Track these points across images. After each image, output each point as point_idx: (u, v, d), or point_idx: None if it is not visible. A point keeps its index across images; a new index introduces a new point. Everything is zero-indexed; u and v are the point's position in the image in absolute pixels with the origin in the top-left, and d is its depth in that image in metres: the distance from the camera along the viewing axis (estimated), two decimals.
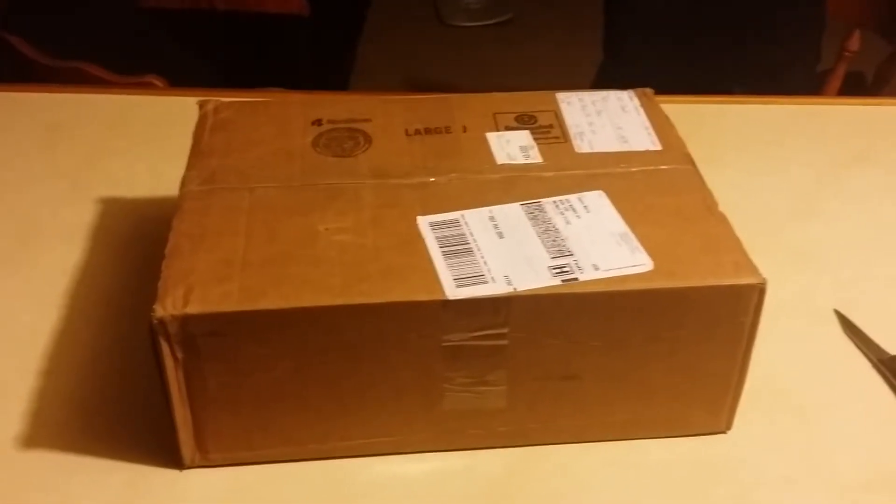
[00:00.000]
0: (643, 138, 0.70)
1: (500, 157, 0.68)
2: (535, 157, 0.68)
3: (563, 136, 0.70)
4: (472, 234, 0.61)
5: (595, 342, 0.59)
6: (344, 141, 0.69)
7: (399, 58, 2.55)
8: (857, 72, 1.57)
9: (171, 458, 0.61)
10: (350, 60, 2.38)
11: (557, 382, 0.61)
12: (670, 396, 0.62)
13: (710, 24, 1.50)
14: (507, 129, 0.71)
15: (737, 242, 0.61)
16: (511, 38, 2.68)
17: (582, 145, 0.69)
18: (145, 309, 0.55)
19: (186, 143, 0.69)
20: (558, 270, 0.58)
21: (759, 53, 1.52)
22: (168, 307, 0.55)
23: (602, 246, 0.60)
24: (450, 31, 2.73)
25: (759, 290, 0.58)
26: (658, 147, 0.70)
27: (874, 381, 0.70)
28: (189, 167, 0.67)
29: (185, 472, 0.62)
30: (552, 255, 0.59)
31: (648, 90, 0.76)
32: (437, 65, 2.55)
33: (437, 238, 0.60)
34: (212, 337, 0.56)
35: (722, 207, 0.64)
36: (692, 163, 0.68)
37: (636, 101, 0.75)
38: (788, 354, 0.71)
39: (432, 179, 0.66)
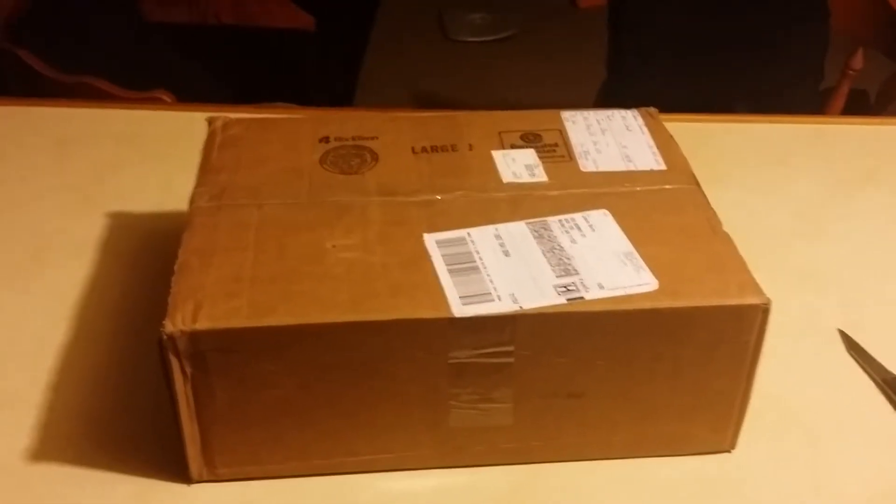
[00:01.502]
0: (648, 158, 0.71)
1: (506, 176, 0.69)
2: (541, 175, 0.69)
3: (568, 155, 0.71)
4: (478, 253, 0.61)
5: (600, 360, 0.60)
6: (351, 158, 0.70)
7: (404, 72, 2.56)
8: (860, 90, 1.58)
9: (178, 472, 0.62)
10: (356, 75, 2.40)
11: (562, 400, 0.61)
12: (675, 415, 0.63)
13: (714, 42, 1.51)
14: (513, 147, 0.71)
15: (741, 262, 0.61)
16: (515, 53, 2.70)
17: (587, 164, 0.70)
18: (154, 324, 0.56)
19: (195, 157, 0.70)
20: (564, 289, 0.59)
21: (763, 72, 1.52)
22: (178, 323, 0.56)
23: (607, 265, 0.61)
24: (454, 47, 2.74)
25: (763, 311, 0.59)
26: (662, 167, 0.70)
27: (878, 401, 0.70)
28: (198, 183, 0.67)
29: (193, 486, 0.62)
30: (558, 274, 0.60)
31: (653, 109, 0.77)
32: (442, 80, 2.56)
33: (443, 256, 0.61)
34: (220, 353, 0.57)
35: (726, 227, 0.64)
36: (696, 182, 0.69)
37: (640, 121, 0.75)
38: (793, 374, 0.72)
39: (439, 197, 0.66)
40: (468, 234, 0.63)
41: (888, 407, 0.70)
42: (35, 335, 0.73)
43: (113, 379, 0.70)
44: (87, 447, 0.64)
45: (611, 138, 0.73)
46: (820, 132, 1.02)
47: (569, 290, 0.59)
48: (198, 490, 0.62)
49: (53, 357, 0.71)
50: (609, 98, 1.57)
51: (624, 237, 0.63)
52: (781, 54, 1.51)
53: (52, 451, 0.64)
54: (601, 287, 0.59)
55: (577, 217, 0.65)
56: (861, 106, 1.56)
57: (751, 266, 0.61)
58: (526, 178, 0.68)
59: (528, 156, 0.71)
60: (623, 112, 0.76)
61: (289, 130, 0.73)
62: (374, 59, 2.55)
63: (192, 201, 0.66)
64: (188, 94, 1.21)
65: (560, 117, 0.75)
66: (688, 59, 1.52)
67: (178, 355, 0.56)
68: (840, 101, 1.50)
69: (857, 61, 1.49)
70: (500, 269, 0.60)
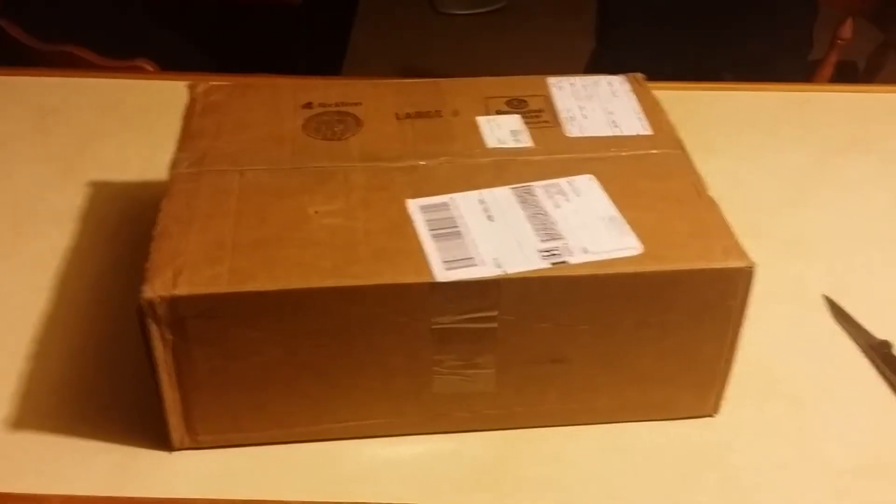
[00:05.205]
0: (634, 123, 0.70)
1: (491, 141, 0.68)
2: (526, 141, 0.68)
3: (554, 121, 0.70)
4: (461, 218, 0.61)
5: (584, 325, 0.59)
6: (334, 124, 0.69)
7: (391, 45, 2.54)
8: (850, 61, 1.57)
9: (160, 440, 0.61)
10: (342, 48, 2.38)
11: (546, 366, 0.61)
12: (658, 380, 0.63)
13: (702, 11, 1.50)
14: (498, 113, 0.71)
15: (726, 226, 0.61)
16: (503, 25, 2.68)
17: (572, 130, 0.69)
18: (135, 292, 0.55)
19: (177, 127, 0.69)
20: (548, 254, 0.58)
21: (751, 41, 1.52)
22: (157, 288, 0.55)
23: (592, 229, 0.60)
24: (442, 19, 2.72)
25: (747, 274, 0.58)
26: (648, 132, 0.70)
27: (863, 366, 0.70)
28: (179, 149, 0.66)
29: (175, 454, 0.62)
30: (542, 239, 0.59)
31: (639, 75, 0.76)
32: (430, 52, 2.54)
33: (426, 221, 0.60)
34: (201, 319, 0.56)
35: (713, 194, 0.64)
36: (682, 147, 0.68)
37: (627, 86, 0.75)
38: (778, 339, 0.71)
39: (423, 163, 0.65)
40: (452, 199, 0.62)
41: (873, 372, 0.70)
42: (16, 304, 0.73)
43: (94, 348, 0.69)
44: (67, 416, 0.64)
45: (597, 104, 0.72)
46: (807, 100, 1.01)
47: (553, 254, 0.58)
48: (179, 458, 0.62)
49: (34, 326, 0.71)
50: (597, 68, 1.56)
51: (609, 202, 0.62)
52: (770, 23, 1.50)
53: (33, 421, 0.64)
54: (585, 251, 0.58)
55: (562, 182, 0.64)
56: (849, 77, 1.55)
57: (737, 233, 0.61)
58: (511, 144, 0.68)
59: (514, 121, 0.70)
60: (609, 78, 0.76)
61: (271, 96, 0.72)
62: (362, 33, 2.53)
63: (173, 167, 0.65)
64: (172, 66, 1.20)
65: (546, 83, 0.75)
66: (676, 28, 1.51)
67: (157, 321, 0.56)
68: (828, 70, 1.49)
69: (846, 31, 1.48)
70: (484, 234, 0.60)
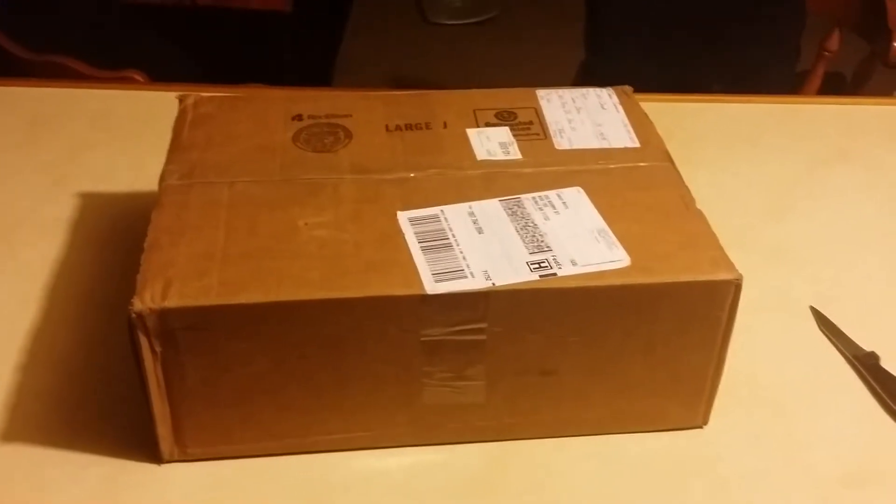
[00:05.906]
0: (622, 135, 0.71)
1: (480, 154, 0.68)
2: (515, 153, 0.69)
3: (543, 133, 0.71)
4: (451, 230, 0.61)
5: (573, 337, 0.60)
6: (324, 136, 0.69)
7: (382, 55, 2.55)
8: (837, 72, 1.58)
9: (149, 452, 0.61)
10: (333, 58, 2.38)
11: (535, 377, 0.61)
12: (647, 391, 0.63)
13: (691, 22, 1.51)
14: (488, 125, 0.71)
15: (713, 239, 0.61)
16: (495, 36, 2.69)
17: (561, 142, 0.70)
18: (124, 303, 0.55)
19: (167, 137, 0.69)
20: (536, 266, 0.59)
21: (739, 52, 1.53)
22: (146, 301, 0.55)
23: (580, 242, 0.60)
24: (433, 29, 2.73)
25: (734, 286, 0.59)
26: (636, 144, 0.70)
27: (849, 377, 0.71)
28: (168, 161, 0.67)
29: (164, 466, 0.62)
30: (531, 251, 0.60)
31: (628, 88, 0.77)
32: (421, 62, 2.55)
33: (416, 233, 0.60)
34: (191, 331, 0.56)
35: (701, 205, 0.64)
36: (670, 160, 0.69)
37: (615, 99, 0.75)
38: (765, 350, 0.72)
39: (412, 175, 0.66)
40: (441, 211, 0.63)
41: (859, 383, 0.70)
42: (5, 315, 0.72)
43: (83, 359, 0.69)
44: (57, 428, 0.64)
45: (585, 116, 0.73)
46: (793, 112, 1.02)
47: (541, 266, 0.58)
48: (169, 470, 0.62)
49: (23, 338, 0.71)
50: (587, 78, 1.57)
51: (597, 214, 0.63)
52: (758, 35, 1.52)
53: (22, 433, 0.64)
54: (574, 264, 0.59)
55: (551, 194, 0.64)
56: (837, 88, 1.56)
57: (724, 243, 0.61)
58: (500, 156, 0.68)
59: (503, 134, 0.70)
60: (598, 90, 0.76)
61: (261, 108, 0.72)
62: (352, 42, 2.54)
63: (163, 179, 0.65)
64: (162, 76, 1.20)
65: (535, 95, 0.75)
66: (665, 38, 1.52)
67: (147, 334, 0.56)
68: (816, 82, 1.50)
69: (833, 42, 1.49)
70: (474, 247, 0.60)
